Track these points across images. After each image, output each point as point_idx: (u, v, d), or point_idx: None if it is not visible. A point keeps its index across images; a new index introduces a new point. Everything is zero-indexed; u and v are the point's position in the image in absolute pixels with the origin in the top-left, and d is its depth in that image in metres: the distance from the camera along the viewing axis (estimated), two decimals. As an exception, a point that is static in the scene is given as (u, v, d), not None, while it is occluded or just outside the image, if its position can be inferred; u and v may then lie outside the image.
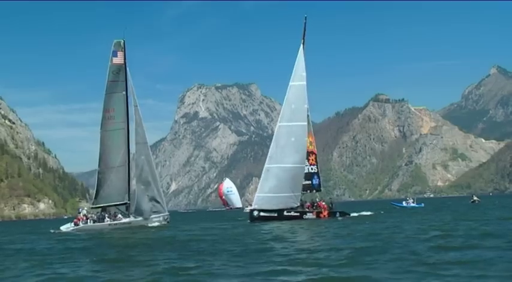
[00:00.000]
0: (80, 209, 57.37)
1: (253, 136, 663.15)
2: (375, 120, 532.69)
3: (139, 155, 52.18)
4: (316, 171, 51.24)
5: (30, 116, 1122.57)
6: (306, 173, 49.98)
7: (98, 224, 50.72)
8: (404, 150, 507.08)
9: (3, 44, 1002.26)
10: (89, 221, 51.39)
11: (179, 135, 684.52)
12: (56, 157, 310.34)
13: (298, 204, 48.44)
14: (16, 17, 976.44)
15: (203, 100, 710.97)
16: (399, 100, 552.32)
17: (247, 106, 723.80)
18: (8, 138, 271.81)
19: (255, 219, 47.06)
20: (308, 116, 50.74)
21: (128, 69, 52.99)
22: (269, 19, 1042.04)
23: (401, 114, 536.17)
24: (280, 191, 47.40)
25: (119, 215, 52.07)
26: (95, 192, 53.83)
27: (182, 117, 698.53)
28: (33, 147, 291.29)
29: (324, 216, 48.57)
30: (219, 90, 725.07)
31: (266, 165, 48.65)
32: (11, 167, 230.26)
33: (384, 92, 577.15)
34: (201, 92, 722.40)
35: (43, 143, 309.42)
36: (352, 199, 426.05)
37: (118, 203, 52.81)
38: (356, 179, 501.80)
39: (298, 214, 47.43)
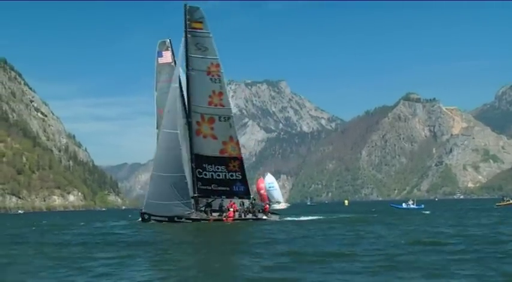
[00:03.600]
0: None
1: (282, 133, 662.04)
2: (405, 120, 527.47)
3: None
4: (239, 178, 48.27)
5: (61, 109, 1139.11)
6: (223, 180, 48.02)
7: None
8: (434, 151, 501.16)
9: (37, 38, 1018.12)
10: None
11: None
12: (86, 150, 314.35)
13: (190, 211, 46.60)
14: (48, 12, 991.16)
15: (232, 96, 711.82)
16: (430, 99, 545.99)
17: (276, 103, 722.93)
18: (40, 130, 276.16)
19: (146, 220, 47.13)
20: (231, 117, 48.23)
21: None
22: (299, 16, 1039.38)
23: (432, 114, 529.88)
24: (165, 199, 46.31)
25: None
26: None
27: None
28: (64, 140, 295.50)
29: (227, 220, 46.17)
30: (249, 87, 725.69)
31: (152, 172, 47.84)
32: (42, 159, 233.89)
33: (414, 91, 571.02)
34: (230, 88, 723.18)
35: (74, 136, 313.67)
36: (380, 198, 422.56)
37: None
38: (384, 178, 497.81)
39: (190, 221, 45.70)
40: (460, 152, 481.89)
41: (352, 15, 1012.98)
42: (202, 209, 47.99)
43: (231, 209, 47.07)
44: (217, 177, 48.22)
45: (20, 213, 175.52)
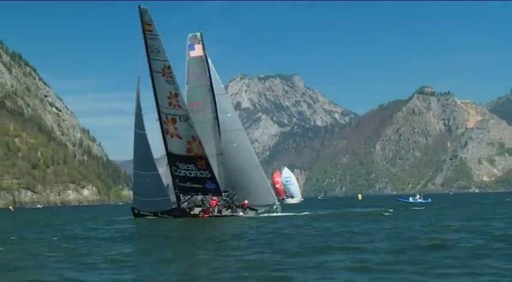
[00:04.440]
0: None
1: (296, 127, 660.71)
2: (419, 113, 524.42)
3: (230, 143, 51.27)
4: (209, 176, 48.77)
5: (75, 104, 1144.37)
6: (195, 177, 48.77)
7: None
8: (449, 144, 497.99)
9: (51, 32, 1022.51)
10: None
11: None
12: (100, 145, 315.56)
13: (170, 207, 48.48)
14: (63, 7, 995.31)
15: (246, 91, 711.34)
16: (445, 93, 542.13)
17: (289, 97, 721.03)
18: (54, 125, 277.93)
19: (136, 215, 49.58)
20: (190, 118, 48.73)
21: (209, 60, 53.03)
22: (311, 11, 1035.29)
23: (446, 108, 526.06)
24: (146, 196, 48.89)
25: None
26: None
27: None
28: (78, 134, 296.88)
29: (204, 216, 47.03)
30: (262, 81, 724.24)
31: (133, 170, 51.53)
32: (57, 153, 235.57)
33: (429, 84, 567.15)
34: (243, 82, 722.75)
35: (88, 131, 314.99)
36: (395, 193, 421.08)
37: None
38: (399, 172, 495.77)
39: (171, 217, 47.24)
40: (475, 146, 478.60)
41: (364, 8, 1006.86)
42: (185, 205, 48.96)
43: (208, 206, 47.69)
44: (190, 175, 48.97)
45: (39, 207, 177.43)
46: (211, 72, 52.62)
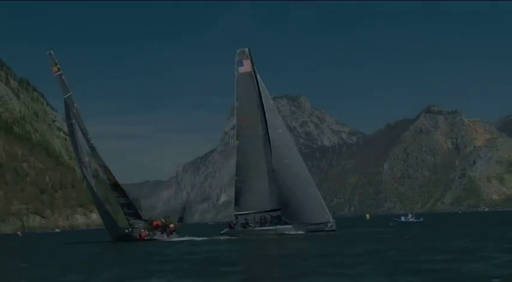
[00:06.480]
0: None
1: (303, 148, 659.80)
2: (427, 132, 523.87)
3: (281, 159, 50.08)
4: (128, 202, 52.12)
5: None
6: (125, 204, 52.04)
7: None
8: (457, 163, 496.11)
9: (58, 56, 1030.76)
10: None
11: (229, 147, 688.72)
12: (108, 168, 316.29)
13: (122, 233, 51.58)
14: (68, 31, 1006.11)
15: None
16: (452, 112, 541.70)
17: (296, 118, 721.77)
18: (62, 149, 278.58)
19: (114, 240, 52.39)
20: (95, 149, 53.17)
21: (257, 75, 52.70)
22: (317, 30, 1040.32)
23: (454, 126, 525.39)
24: (105, 224, 54.40)
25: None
26: (234, 200, 53.51)
27: (232, 128, 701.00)
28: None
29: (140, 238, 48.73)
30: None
31: None
32: (65, 178, 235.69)
33: (435, 103, 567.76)
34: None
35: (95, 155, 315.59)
36: (403, 212, 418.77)
37: (265, 209, 51.37)
38: (407, 191, 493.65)
39: (126, 242, 49.31)
40: (483, 164, 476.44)
41: (370, 28, 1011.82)
42: (138, 229, 50.66)
43: (143, 231, 49.37)
44: (122, 202, 52.16)
45: (56, 231, 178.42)
46: (260, 87, 52.19)
